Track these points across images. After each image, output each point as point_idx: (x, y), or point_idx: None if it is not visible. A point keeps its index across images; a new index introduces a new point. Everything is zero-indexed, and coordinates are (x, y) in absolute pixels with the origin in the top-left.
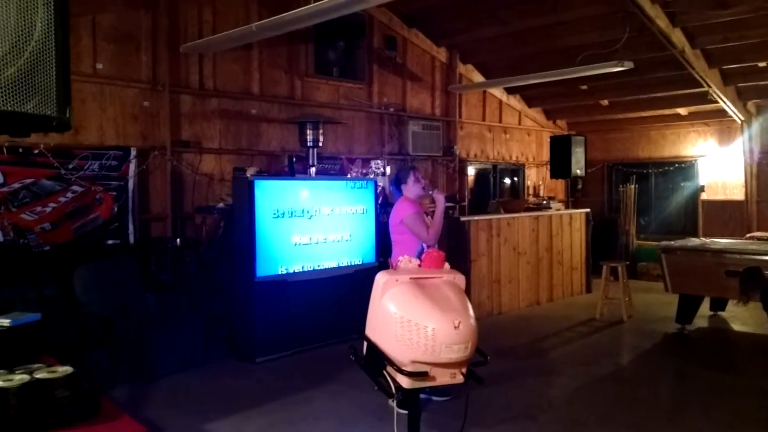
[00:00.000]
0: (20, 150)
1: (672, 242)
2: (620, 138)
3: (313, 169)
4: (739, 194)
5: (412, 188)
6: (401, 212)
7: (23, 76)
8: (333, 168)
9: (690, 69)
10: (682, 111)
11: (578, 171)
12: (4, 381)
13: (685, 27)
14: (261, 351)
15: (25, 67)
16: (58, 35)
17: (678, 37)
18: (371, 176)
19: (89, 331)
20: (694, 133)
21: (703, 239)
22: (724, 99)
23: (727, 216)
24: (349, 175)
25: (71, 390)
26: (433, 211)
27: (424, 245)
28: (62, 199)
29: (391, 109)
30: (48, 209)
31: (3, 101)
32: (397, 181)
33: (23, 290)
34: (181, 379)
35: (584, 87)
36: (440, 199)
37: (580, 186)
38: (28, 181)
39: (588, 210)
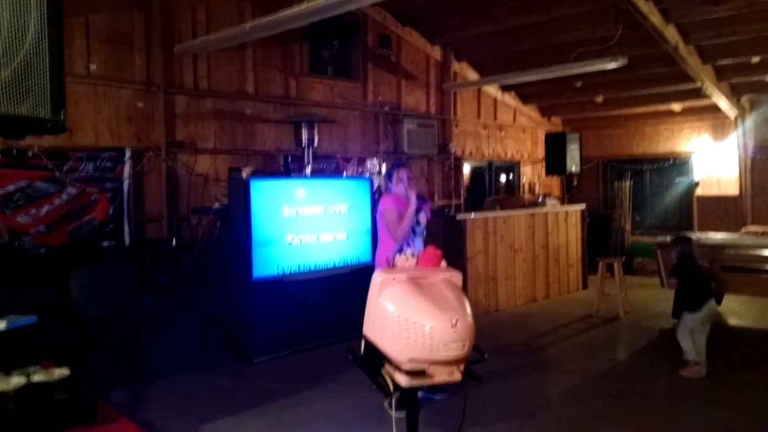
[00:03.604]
0: (14, 152)
1: (667, 238)
2: (615, 134)
3: (308, 169)
4: (733, 189)
5: (395, 186)
6: (380, 206)
7: (17, 78)
8: (328, 167)
9: (683, 65)
10: (676, 107)
11: (573, 168)
12: (0, 384)
13: (679, 23)
14: (258, 352)
15: (19, 69)
16: (52, 37)
17: (671, 33)
18: (367, 175)
19: (86, 333)
20: (688, 129)
21: (698, 234)
22: (718, 94)
23: (722, 211)
24: (344, 174)
25: (69, 393)
26: (418, 209)
27: (401, 245)
28: (57, 201)
29: (386, 108)
30: (43, 211)
31: None
32: (388, 176)
33: (19, 293)
34: (177, 380)
35: (578, 84)
36: (412, 199)
37: (575, 183)
38: (23, 183)
39: (583, 206)
